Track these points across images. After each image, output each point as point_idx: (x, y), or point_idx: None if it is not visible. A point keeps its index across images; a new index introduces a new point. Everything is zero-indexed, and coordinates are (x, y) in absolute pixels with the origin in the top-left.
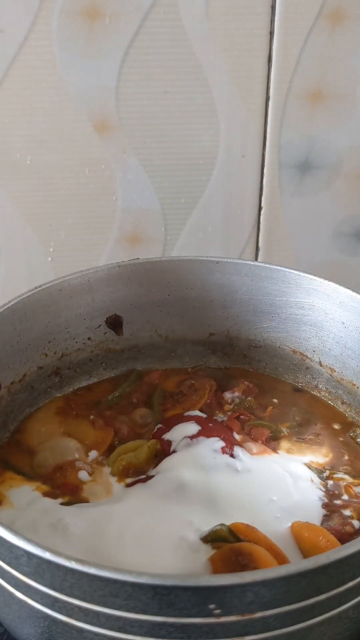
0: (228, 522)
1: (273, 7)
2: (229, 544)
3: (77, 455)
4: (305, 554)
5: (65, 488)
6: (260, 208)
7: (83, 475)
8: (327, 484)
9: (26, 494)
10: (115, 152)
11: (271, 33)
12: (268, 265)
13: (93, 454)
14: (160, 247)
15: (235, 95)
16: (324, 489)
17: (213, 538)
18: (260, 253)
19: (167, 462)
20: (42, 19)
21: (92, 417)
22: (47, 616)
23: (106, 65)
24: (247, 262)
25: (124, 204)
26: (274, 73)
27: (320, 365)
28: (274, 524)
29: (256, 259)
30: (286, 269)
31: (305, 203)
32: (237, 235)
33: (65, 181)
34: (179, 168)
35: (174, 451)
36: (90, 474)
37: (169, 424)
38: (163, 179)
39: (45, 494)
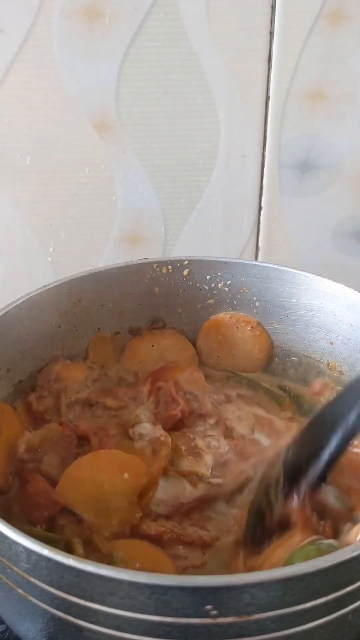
0: None
1: (273, 7)
2: None
3: None
4: None
5: None
6: (260, 208)
7: None
8: None
9: None
10: (115, 152)
11: (271, 33)
12: (277, 267)
13: None
14: (160, 247)
15: (235, 95)
16: None
17: None
18: (260, 253)
19: None
20: (42, 19)
21: None
22: (45, 613)
23: (106, 65)
24: (256, 263)
25: (124, 204)
26: (274, 73)
27: (328, 367)
28: None
29: (256, 259)
30: (295, 271)
31: (305, 203)
32: (237, 235)
33: (65, 181)
34: (179, 168)
35: None
36: None
37: None
38: (163, 179)
39: None
